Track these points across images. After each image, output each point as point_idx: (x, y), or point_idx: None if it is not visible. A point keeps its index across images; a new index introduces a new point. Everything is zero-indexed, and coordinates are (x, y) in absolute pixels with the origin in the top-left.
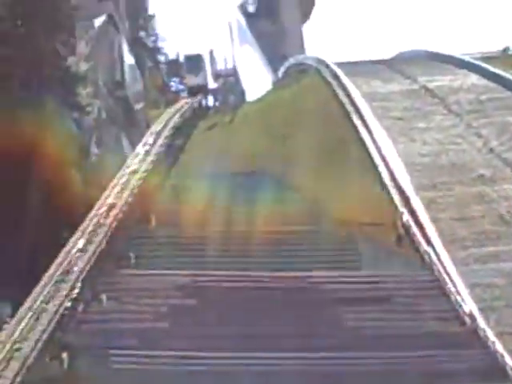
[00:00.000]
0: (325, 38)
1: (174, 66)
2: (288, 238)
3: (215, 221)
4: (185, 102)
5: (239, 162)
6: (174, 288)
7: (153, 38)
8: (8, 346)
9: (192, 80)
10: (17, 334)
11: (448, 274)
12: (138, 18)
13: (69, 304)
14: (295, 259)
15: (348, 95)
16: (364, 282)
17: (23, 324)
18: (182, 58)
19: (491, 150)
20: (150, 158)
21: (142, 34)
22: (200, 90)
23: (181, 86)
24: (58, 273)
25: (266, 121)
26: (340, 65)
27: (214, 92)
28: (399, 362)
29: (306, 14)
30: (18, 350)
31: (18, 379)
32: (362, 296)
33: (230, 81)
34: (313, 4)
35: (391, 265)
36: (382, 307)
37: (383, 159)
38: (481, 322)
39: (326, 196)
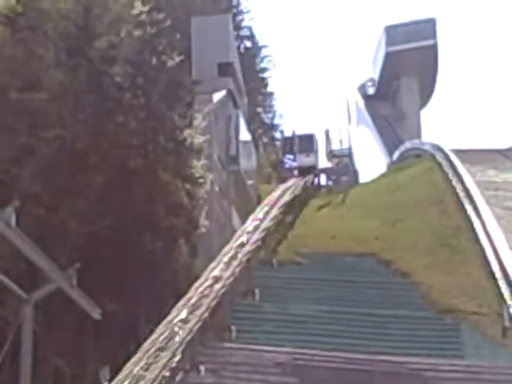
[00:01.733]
0: (442, 125)
1: (288, 144)
2: (390, 322)
3: (318, 300)
4: (297, 180)
5: (348, 243)
6: (272, 365)
7: (270, 115)
8: None
9: (302, 160)
10: None
11: None
12: (258, 94)
13: (167, 373)
14: (397, 344)
15: (462, 183)
16: (465, 371)
17: None
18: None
19: None
20: (259, 233)
21: (260, 110)
22: (309, 170)
23: (294, 164)
24: (160, 341)
25: (378, 204)
26: (456, 152)
27: (328, 171)
28: None
29: (424, 100)
30: None
31: None
32: None
33: (344, 161)
34: (432, 91)
35: (495, 356)
36: None
37: (494, 250)
38: None
39: (434, 282)
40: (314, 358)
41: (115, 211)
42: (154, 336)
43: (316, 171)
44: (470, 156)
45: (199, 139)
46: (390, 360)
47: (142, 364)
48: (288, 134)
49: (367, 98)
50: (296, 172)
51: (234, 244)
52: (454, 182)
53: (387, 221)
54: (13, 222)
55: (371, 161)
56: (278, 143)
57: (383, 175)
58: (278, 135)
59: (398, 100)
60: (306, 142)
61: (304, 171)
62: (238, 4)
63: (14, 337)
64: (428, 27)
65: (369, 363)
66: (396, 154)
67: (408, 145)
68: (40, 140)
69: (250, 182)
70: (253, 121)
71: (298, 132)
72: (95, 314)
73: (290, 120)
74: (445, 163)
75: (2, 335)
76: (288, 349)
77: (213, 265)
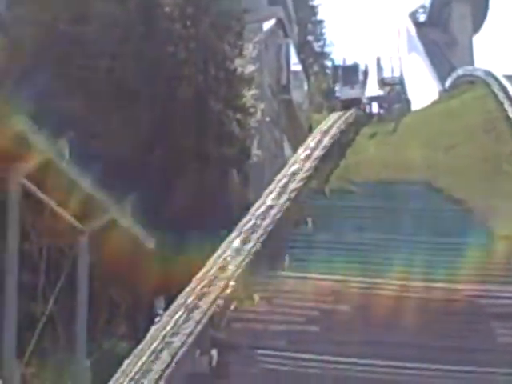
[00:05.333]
0: (495, 50)
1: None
2: (446, 249)
3: (371, 226)
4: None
5: (401, 170)
6: (325, 293)
7: (320, 43)
8: (159, 340)
9: (346, 93)
10: (168, 327)
11: None
12: (307, 22)
13: (221, 302)
14: (451, 271)
15: None
16: None
17: (175, 318)
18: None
19: None
20: (311, 162)
21: (310, 38)
22: (354, 103)
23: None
24: (213, 270)
25: (430, 131)
26: (509, 78)
27: (379, 100)
28: None
29: (477, 26)
30: (168, 343)
31: (167, 372)
32: None
33: (396, 89)
34: (485, 16)
35: None
36: None
37: None
38: None
39: (488, 210)
40: (367, 285)
41: (167, 142)
42: (207, 266)
43: (361, 104)
44: None
45: (249, 69)
46: (445, 287)
47: (195, 294)
48: (339, 62)
49: (419, 24)
50: (339, 106)
51: (286, 173)
52: (508, 108)
53: (440, 148)
54: (66, 153)
55: (423, 88)
56: (328, 72)
57: (435, 102)
58: (328, 64)
59: (450, 26)
60: (351, 74)
61: (348, 105)
62: None
63: (71, 268)
64: None
65: (423, 290)
66: (448, 81)
67: (460, 71)
68: (91, 71)
69: (301, 111)
70: (303, 49)
71: (348, 61)
72: (149, 244)
73: (340, 48)
74: (498, 89)
75: (59, 267)
76: (341, 277)
77: (265, 193)
